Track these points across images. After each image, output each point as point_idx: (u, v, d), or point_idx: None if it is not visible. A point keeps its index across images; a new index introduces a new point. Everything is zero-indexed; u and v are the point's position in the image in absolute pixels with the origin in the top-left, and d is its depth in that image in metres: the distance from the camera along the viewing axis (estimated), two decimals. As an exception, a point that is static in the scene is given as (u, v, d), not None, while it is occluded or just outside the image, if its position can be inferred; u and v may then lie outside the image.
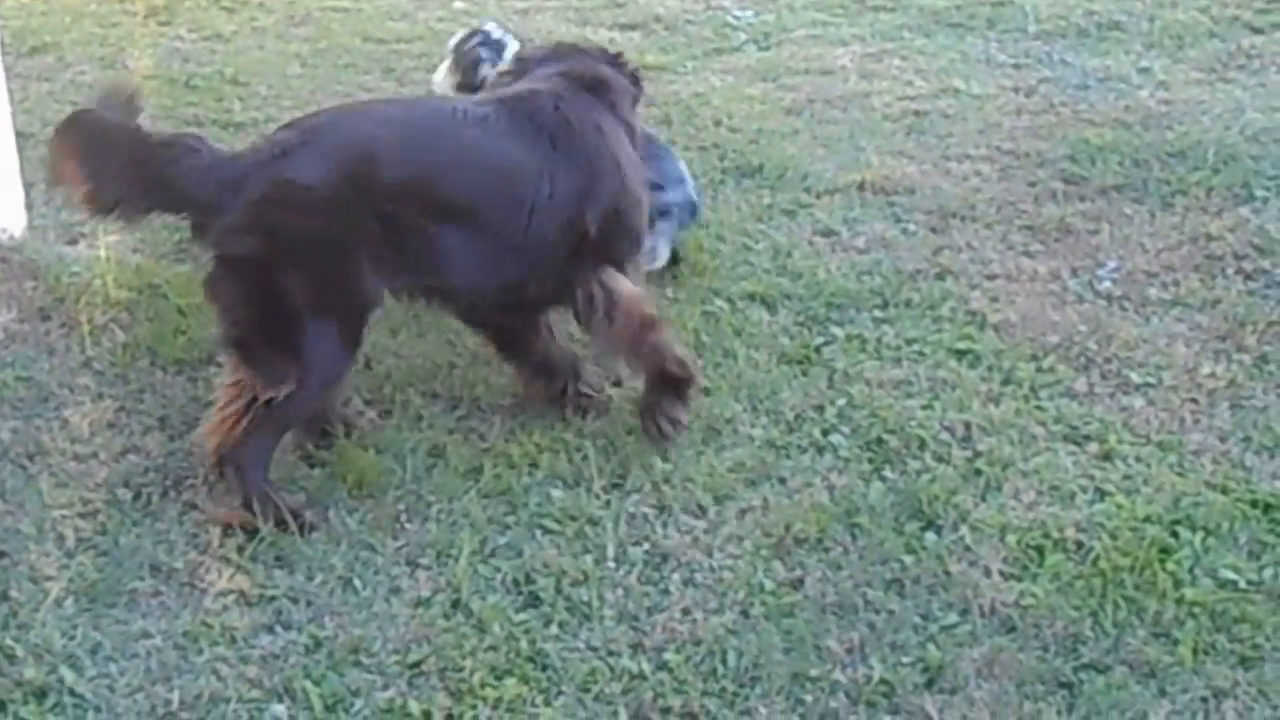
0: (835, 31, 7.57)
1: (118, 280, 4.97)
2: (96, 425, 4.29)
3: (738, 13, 7.84)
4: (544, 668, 3.43)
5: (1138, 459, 4.09)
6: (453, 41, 5.40)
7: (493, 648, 3.48)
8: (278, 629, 3.56)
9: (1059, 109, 6.42)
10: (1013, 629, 3.51)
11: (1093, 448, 4.15)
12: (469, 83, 5.17)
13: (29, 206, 5.48)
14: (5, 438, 4.23)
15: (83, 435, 4.25)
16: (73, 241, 5.38)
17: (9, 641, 3.50)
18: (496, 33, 5.31)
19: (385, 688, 3.38)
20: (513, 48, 5.15)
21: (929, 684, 3.37)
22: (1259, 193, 5.56)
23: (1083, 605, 3.56)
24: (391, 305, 4.84)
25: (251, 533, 3.83)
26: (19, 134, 5.54)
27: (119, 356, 4.63)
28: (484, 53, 5.22)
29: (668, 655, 3.45)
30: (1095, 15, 7.61)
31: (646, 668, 3.42)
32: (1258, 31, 7.35)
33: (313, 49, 7.54)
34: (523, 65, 4.45)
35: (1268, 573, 3.65)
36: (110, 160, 3.70)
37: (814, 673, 3.40)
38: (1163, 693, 3.33)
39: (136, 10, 8.21)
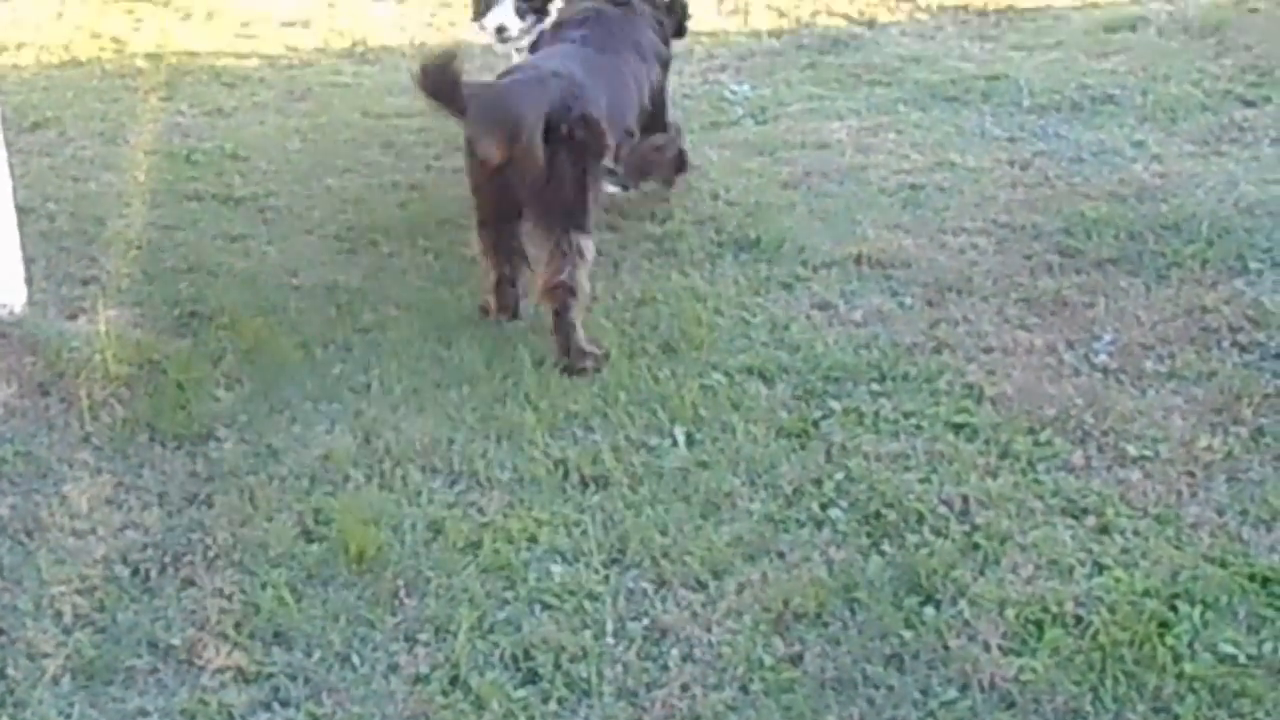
0: (831, 105, 7.60)
1: (117, 355, 4.98)
2: (95, 501, 4.29)
3: (735, 87, 7.89)
4: (543, 744, 3.42)
5: (1135, 532, 4.09)
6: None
7: (491, 724, 3.47)
8: (275, 706, 3.55)
9: (1054, 182, 6.45)
10: (1012, 704, 3.50)
11: (1090, 521, 4.14)
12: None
13: (29, 281, 5.49)
14: (3, 513, 4.23)
15: (81, 511, 4.24)
16: (73, 316, 5.39)
17: (5, 719, 3.48)
18: None
19: (383, 765, 3.38)
20: None
21: (929, 760, 3.36)
22: (1253, 265, 5.57)
23: (1082, 680, 3.55)
24: (391, 378, 4.89)
25: (250, 607, 3.83)
26: (20, 209, 5.56)
27: (118, 431, 4.63)
28: None
29: (667, 732, 3.44)
30: (1089, 89, 7.65)
31: (645, 744, 3.41)
32: (1249, 105, 7.39)
33: (313, 124, 7.58)
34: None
35: (1267, 647, 3.64)
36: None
37: (813, 749, 3.39)
38: (1163, 768, 3.32)
39: (138, 86, 8.26)
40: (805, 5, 9.28)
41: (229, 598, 3.88)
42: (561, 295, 5.13)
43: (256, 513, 4.22)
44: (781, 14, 9.15)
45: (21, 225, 5.52)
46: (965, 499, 4.23)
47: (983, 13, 9.13)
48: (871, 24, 8.90)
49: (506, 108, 5.09)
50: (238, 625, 3.78)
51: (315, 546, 4.08)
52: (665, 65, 6.29)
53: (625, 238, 6.02)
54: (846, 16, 9.06)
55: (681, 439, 4.57)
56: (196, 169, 6.94)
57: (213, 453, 4.53)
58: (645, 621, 3.80)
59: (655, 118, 6.13)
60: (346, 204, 6.48)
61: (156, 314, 5.40)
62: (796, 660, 3.65)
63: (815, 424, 4.64)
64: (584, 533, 4.12)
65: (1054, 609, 3.77)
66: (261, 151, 7.15)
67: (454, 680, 3.60)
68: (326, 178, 6.79)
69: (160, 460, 4.50)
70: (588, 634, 3.75)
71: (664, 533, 4.11)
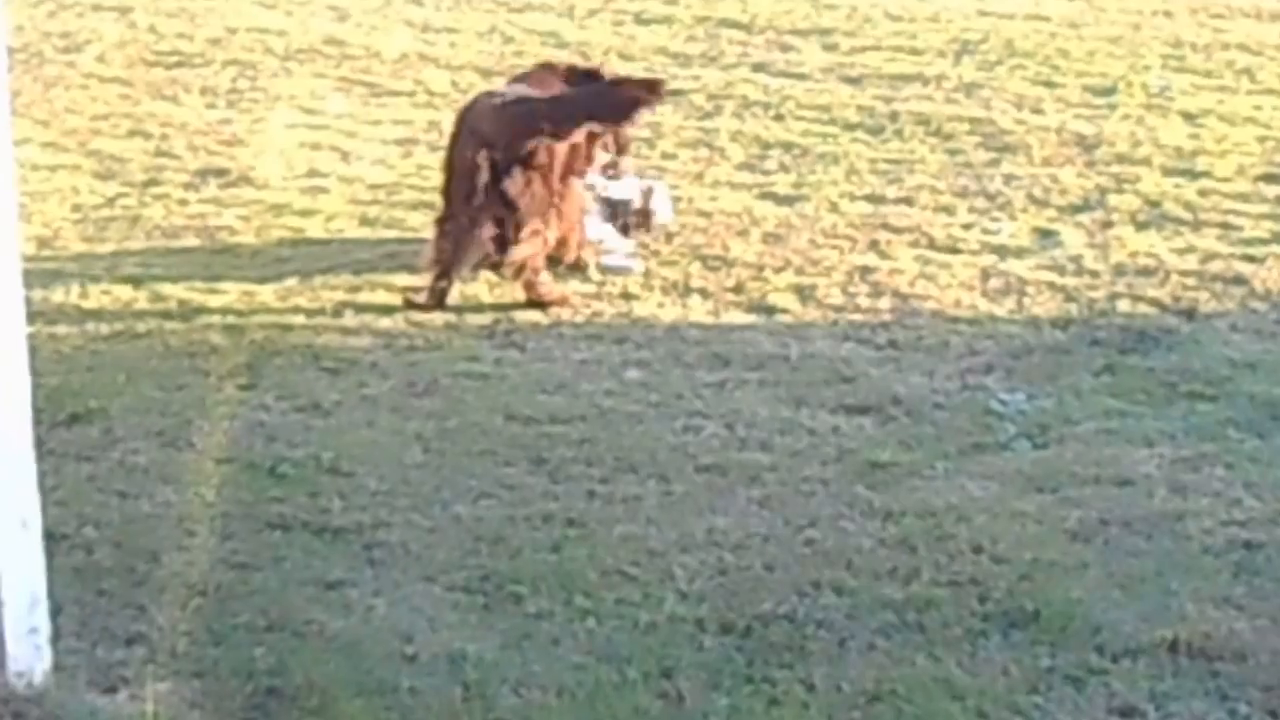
0: (1135, 426, 7.65)
1: (169, 749, 5.09)
2: None
3: (1005, 396, 7.98)
4: None
5: None
6: None
7: None
8: None
9: None
10: None
11: None
12: None
13: (55, 638, 5.57)
14: None
15: None
16: (110, 689, 5.53)
17: None
18: None
19: None
20: None
21: None
22: None
23: None
24: None
25: None
26: (48, 534, 5.64)
27: None
28: None
29: None
30: None
31: None
32: None
33: (439, 428, 7.77)
34: None
35: None
36: None
37: None
38: None
39: (211, 369, 8.52)
40: (1101, 285, 9.40)
41: None
42: None
43: None
44: (1068, 297, 9.26)
45: (49, 558, 5.60)
46: None
47: (1339, 302, 9.20)
48: (1190, 314, 8.98)
49: None
50: None
51: None
52: None
53: (855, 603, 6.10)
54: (1156, 303, 9.15)
55: None
56: (283, 486, 7.14)
57: None
58: None
59: None
60: (481, 542, 6.62)
61: (223, 690, 5.52)
62: None
63: None
64: None
65: None
66: (370, 465, 7.34)
67: None
68: (455, 504, 6.95)
69: None
70: None
71: None
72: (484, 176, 9.25)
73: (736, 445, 7.53)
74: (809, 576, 6.27)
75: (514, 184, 9.22)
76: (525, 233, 9.26)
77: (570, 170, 9.49)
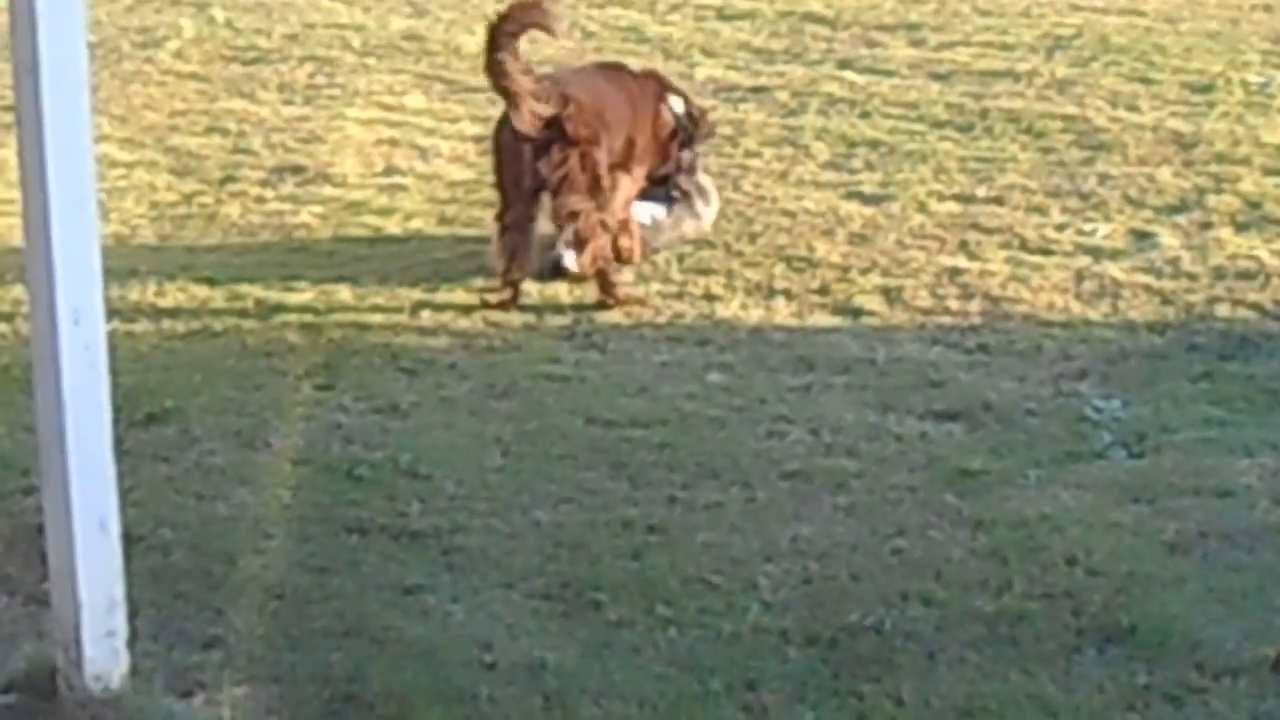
0: (1236, 435, 7.55)
1: (245, 756, 5.09)
2: None
3: (1100, 403, 7.89)
4: None
5: None
6: None
7: None
8: None
9: None
10: None
11: None
12: None
13: (132, 641, 5.59)
14: None
15: None
16: (187, 693, 5.53)
17: None
18: None
19: None
20: None
21: None
22: None
23: None
24: None
25: None
26: (125, 536, 5.65)
27: None
28: None
29: None
30: None
31: None
32: None
33: (518, 431, 7.75)
34: None
35: None
36: None
37: None
38: None
39: (288, 369, 8.54)
40: (1199, 289, 9.30)
41: None
42: None
43: None
44: (1165, 300, 9.16)
45: (126, 560, 5.62)
46: None
47: None
48: (1294, 317, 8.88)
49: None
50: None
51: None
52: None
53: (945, 615, 6.05)
54: (1258, 307, 9.05)
55: None
56: (361, 489, 7.14)
57: None
58: None
59: None
60: (560, 548, 6.61)
61: (300, 695, 5.52)
62: None
63: None
64: None
65: None
66: (448, 467, 7.33)
67: None
68: (534, 509, 6.94)
69: None
70: None
71: None
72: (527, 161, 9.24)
73: (822, 451, 7.48)
74: (897, 587, 6.23)
75: (548, 163, 9.19)
76: (583, 221, 9.22)
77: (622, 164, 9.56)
